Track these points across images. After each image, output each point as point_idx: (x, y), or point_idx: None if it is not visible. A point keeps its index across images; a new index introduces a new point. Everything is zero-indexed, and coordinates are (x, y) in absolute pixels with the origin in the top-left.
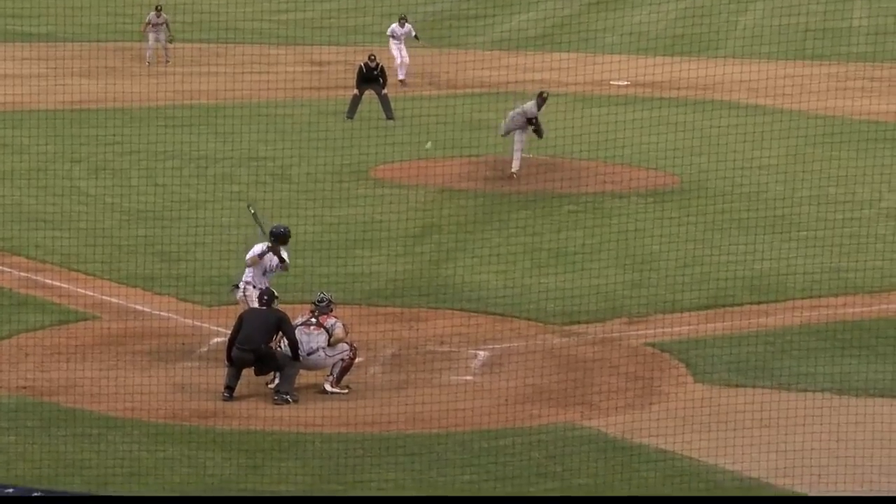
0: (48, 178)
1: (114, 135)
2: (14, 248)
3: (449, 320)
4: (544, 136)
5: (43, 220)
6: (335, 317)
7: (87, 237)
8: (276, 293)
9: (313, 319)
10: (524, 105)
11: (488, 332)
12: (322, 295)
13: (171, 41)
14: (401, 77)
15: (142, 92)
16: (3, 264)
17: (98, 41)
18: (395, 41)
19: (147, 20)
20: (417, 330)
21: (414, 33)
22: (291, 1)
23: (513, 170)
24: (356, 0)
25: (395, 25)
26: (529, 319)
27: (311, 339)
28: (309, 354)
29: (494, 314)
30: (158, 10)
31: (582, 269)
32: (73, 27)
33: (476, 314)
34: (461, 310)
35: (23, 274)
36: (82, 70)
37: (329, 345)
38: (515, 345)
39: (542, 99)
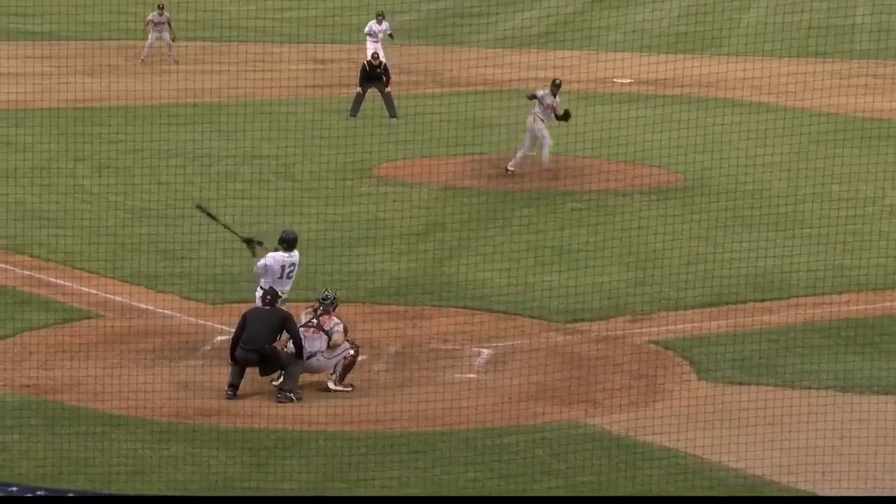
0: (51, 176)
1: (117, 133)
2: (17, 246)
3: (452, 318)
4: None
5: (46, 219)
6: (337, 317)
7: (90, 235)
8: (279, 293)
9: (314, 321)
10: (538, 92)
11: (492, 330)
12: (327, 293)
13: (174, 40)
14: None
15: (145, 90)
16: (6, 262)
17: (101, 39)
18: (372, 39)
19: (149, 19)
20: (421, 328)
21: (389, 32)
22: None
23: (510, 166)
24: None
25: (372, 23)
26: (533, 317)
27: (309, 343)
28: (307, 359)
29: (498, 312)
30: (161, 8)
31: (585, 266)
32: (76, 25)
33: (479, 312)
34: (464, 308)
35: (26, 272)
36: (85, 68)
37: (328, 348)
38: (519, 343)
39: (555, 86)
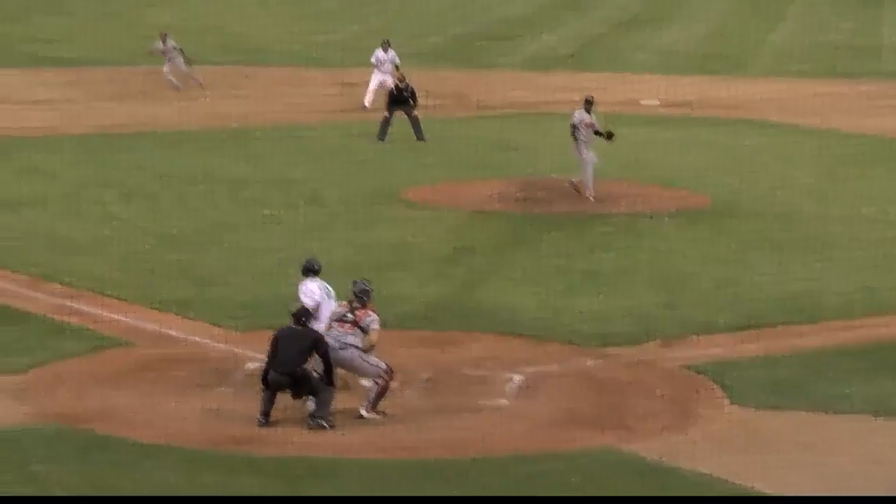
0: (80, 203)
1: (145, 159)
2: (47, 274)
3: (482, 343)
4: (605, 133)
5: (76, 246)
6: (373, 311)
7: (120, 262)
8: (311, 312)
9: (349, 315)
10: (574, 117)
11: (522, 355)
12: (364, 284)
13: (189, 64)
14: (366, 103)
15: (172, 116)
16: (37, 291)
17: (129, 65)
18: (380, 69)
19: (150, 49)
20: (451, 353)
21: (397, 61)
22: (321, 23)
23: (588, 195)
24: (385, 22)
25: (378, 51)
26: (563, 342)
27: (343, 337)
28: (341, 349)
29: (528, 336)
30: (164, 37)
31: (615, 290)
32: (104, 52)
33: (510, 337)
34: (495, 332)
35: (57, 301)
36: (113, 94)
37: (363, 350)
38: (550, 368)
39: (588, 103)
